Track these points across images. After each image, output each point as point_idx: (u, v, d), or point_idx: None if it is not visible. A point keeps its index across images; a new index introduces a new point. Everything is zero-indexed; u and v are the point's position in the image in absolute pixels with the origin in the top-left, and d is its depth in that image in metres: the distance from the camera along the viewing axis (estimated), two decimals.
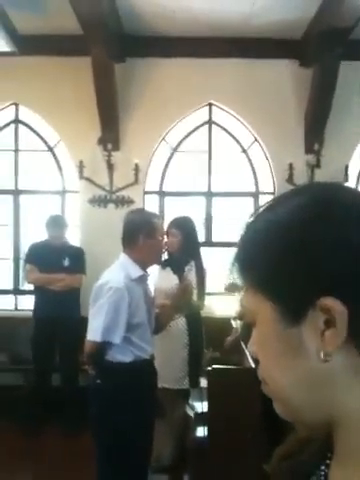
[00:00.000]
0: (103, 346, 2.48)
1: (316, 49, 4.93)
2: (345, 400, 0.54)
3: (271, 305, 0.56)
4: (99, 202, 5.35)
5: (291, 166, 5.23)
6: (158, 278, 3.74)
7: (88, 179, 5.25)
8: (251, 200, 5.68)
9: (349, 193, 0.58)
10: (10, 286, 5.58)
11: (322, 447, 0.62)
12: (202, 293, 3.75)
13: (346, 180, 5.20)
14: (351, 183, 5.38)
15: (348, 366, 0.53)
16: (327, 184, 0.60)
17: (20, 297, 5.57)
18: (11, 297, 5.59)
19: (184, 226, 3.75)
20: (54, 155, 5.60)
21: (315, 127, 5.21)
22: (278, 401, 0.59)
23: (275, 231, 0.56)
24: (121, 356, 2.52)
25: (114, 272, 2.57)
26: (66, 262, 4.67)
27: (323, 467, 0.61)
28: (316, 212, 0.54)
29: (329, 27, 4.54)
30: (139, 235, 2.59)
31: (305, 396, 0.56)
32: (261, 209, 0.62)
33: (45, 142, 5.59)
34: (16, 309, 5.55)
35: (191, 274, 3.55)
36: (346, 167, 5.20)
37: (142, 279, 2.65)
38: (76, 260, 4.69)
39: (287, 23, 4.87)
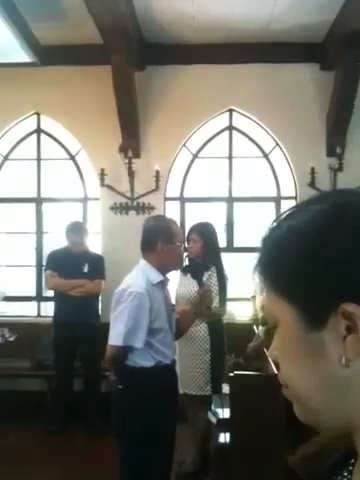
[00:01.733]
0: (125, 350, 2.49)
1: (337, 52, 4.91)
2: None
3: (293, 310, 0.56)
4: (120, 209, 5.39)
5: (313, 170, 5.19)
6: (179, 284, 3.74)
7: (109, 186, 5.30)
8: (273, 205, 5.65)
9: None
10: (33, 293, 5.65)
11: (345, 452, 0.61)
12: (223, 299, 3.73)
13: None
14: None
15: None
16: (348, 191, 0.61)
17: (43, 303, 5.63)
18: (34, 304, 5.66)
19: (205, 232, 3.75)
20: (76, 163, 5.67)
21: (337, 130, 5.17)
22: (297, 404, 0.59)
23: (297, 237, 0.57)
24: (142, 361, 2.53)
25: (135, 277, 2.58)
26: (85, 268, 4.71)
27: (346, 473, 0.60)
28: (337, 219, 0.55)
29: (350, 30, 4.52)
30: (157, 241, 2.61)
31: (324, 400, 0.56)
32: (283, 215, 0.63)
33: (67, 150, 5.67)
34: (39, 315, 5.61)
35: (212, 280, 3.54)
36: None
37: (162, 284, 2.66)
38: (96, 266, 4.73)
39: (307, 27, 4.86)
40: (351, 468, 0.59)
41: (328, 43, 5.06)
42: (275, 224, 0.63)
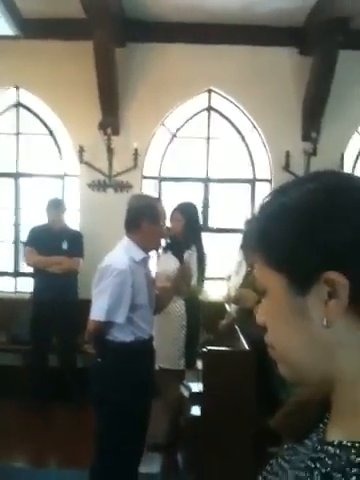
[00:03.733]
0: (106, 325, 2.57)
1: (316, 37, 4.97)
2: (343, 362, 0.62)
3: (281, 278, 0.64)
4: (98, 186, 5.41)
5: (288, 154, 5.30)
6: (159, 261, 3.83)
7: (88, 163, 5.30)
8: (248, 187, 5.75)
9: (355, 182, 0.66)
10: (10, 268, 5.65)
11: (320, 408, 0.71)
12: (202, 277, 3.84)
13: (341, 168, 5.28)
14: (346, 170, 5.46)
15: (348, 332, 0.61)
16: (336, 173, 0.69)
17: (20, 279, 5.64)
18: (11, 279, 5.67)
19: (188, 211, 3.84)
20: (55, 139, 5.63)
21: (312, 115, 5.27)
22: (283, 363, 0.68)
23: (288, 214, 0.64)
24: (122, 336, 2.61)
25: (118, 254, 2.64)
26: (65, 245, 4.74)
27: (321, 425, 0.69)
28: (325, 198, 0.62)
29: (329, 16, 4.59)
30: (142, 220, 2.66)
31: (308, 358, 0.64)
32: (274, 193, 0.69)
33: (46, 126, 5.63)
34: (16, 291, 5.63)
35: (192, 258, 3.64)
36: (342, 155, 5.28)
37: (144, 262, 2.74)
38: (74, 244, 4.77)
39: (288, 11, 4.90)
40: (326, 420, 0.68)
41: (307, 28, 5.12)
42: (266, 200, 0.69)
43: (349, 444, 0.59)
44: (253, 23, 5.16)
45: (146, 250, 2.72)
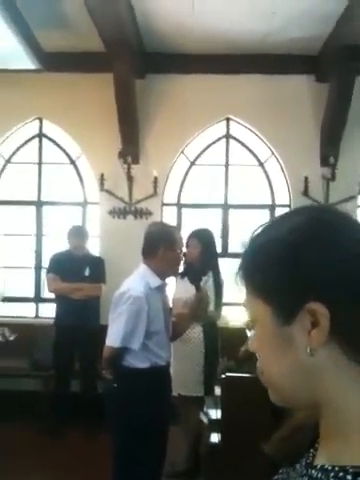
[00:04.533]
0: (121, 352, 2.59)
1: (332, 65, 5.04)
2: (327, 387, 0.64)
3: (268, 308, 0.67)
4: (119, 214, 5.51)
5: (307, 179, 5.32)
6: (176, 287, 3.85)
7: (108, 191, 5.42)
8: (267, 212, 5.78)
9: (339, 217, 0.69)
10: (31, 294, 5.75)
11: (311, 433, 0.73)
12: (219, 303, 3.84)
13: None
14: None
15: (330, 360, 0.63)
16: (322, 207, 0.73)
17: (41, 305, 5.73)
18: (32, 305, 5.76)
19: (204, 237, 3.87)
20: (76, 168, 5.78)
21: (330, 141, 5.30)
22: (272, 388, 0.71)
23: (274, 247, 0.67)
24: (138, 362, 2.63)
25: (134, 281, 2.69)
26: (87, 272, 4.81)
27: (312, 450, 0.72)
28: (310, 233, 0.66)
29: (344, 44, 4.66)
30: (159, 247, 2.71)
31: (293, 383, 0.67)
32: (265, 226, 0.73)
33: (67, 155, 5.78)
34: (37, 316, 5.71)
35: (209, 284, 3.65)
36: None
37: (161, 288, 2.77)
38: (96, 270, 4.84)
39: (304, 40, 5.00)
40: (316, 445, 0.71)
41: (323, 56, 5.20)
42: (256, 233, 0.73)
43: (330, 468, 0.61)
44: (270, 52, 5.26)
45: (163, 277, 2.76)
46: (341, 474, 0.58)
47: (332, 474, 0.60)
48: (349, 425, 0.62)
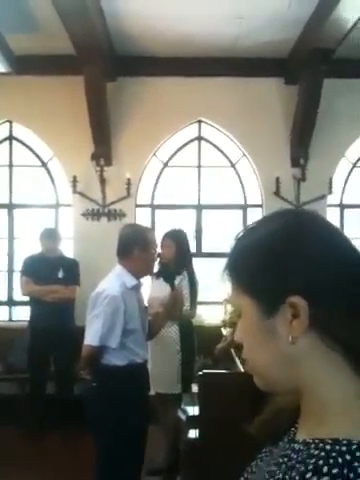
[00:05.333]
0: (100, 350, 2.63)
1: (301, 68, 5.17)
2: (307, 373, 0.71)
3: (252, 302, 0.74)
4: (92, 215, 5.52)
5: (278, 179, 5.44)
6: (151, 287, 3.89)
7: (81, 193, 5.42)
8: (240, 212, 5.87)
9: (315, 220, 0.77)
10: (4, 297, 5.69)
11: (292, 415, 0.78)
12: (194, 302, 3.90)
13: (330, 192, 5.42)
14: (335, 195, 5.60)
15: (310, 348, 0.70)
16: (300, 211, 0.80)
17: (14, 308, 5.69)
18: (5, 308, 5.71)
19: (178, 238, 3.92)
20: (48, 170, 5.76)
21: (300, 142, 5.43)
22: (257, 375, 0.77)
23: (257, 247, 0.74)
24: (116, 360, 2.67)
25: (111, 281, 2.73)
26: (61, 274, 4.80)
27: (293, 429, 0.77)
28: (289, 234, 0.73)
29: (313, 47, 4.78)
30: (134, 248, 2.76)
31: (277, 371, 0.73)
32: (247, 227, 0.80)
33: (39, 158, 5.76)
34: (10, 320, 5.67)
35: (183, 283, 3.70)
36: (330, 180, 5.42)
37: (136, 288, 2.82)
38: (70, 272, 4.83)
39: (273, 43, 5.10)
40: (296, 425, 0.77)
41: (292, 59, 5.32)
42: (240, 235, 0.80)
43: (310, 441, 0.67)
44: (240, 55, 5.36)
45: (138, 277, 2.81)
46: (321, 444, 0.65)
47: (313, 445, 0.66)
48: (327, 406, 0.69)
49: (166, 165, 5.82)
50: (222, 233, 5.93)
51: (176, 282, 3.36)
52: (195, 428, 3.47)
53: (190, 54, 5.33)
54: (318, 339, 0.69)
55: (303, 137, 5.41)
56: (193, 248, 5.46)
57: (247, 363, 0.77)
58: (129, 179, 5.36)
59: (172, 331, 3.72)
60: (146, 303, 3.28)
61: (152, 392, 3.34)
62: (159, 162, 5.78)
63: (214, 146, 5.83)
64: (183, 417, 3.62)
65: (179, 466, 3.76)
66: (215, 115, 5.57)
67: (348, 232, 5.76)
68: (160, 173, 5.81)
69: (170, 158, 5.81)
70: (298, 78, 5.33)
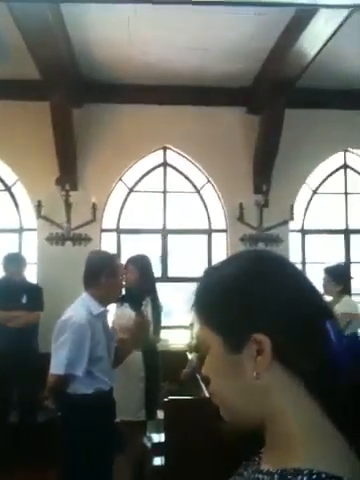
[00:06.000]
0: (66, 379, 2.60)
1: (263, 98, 5.34)
2: (272, 405, 0.75)
3: (219, 338, 0.78)
4: (57, 240, 5.48)
5: (241, 205, 5.55)
6: (116, 314, 3.88)
7: (45, 217, 5.38)
8: (205, 237, 5.94)
9: (278, 261, 0.82)
10: None
11: (258, 443, 0.82)
12: (158, 327, 3.91)
13: (291, 218, 5.56)
14: (297, 221, 5.75)
15: (274, 381, 0.74)
16: (263, 253, 0.86)
17: None
18: None
19: (141, 263, 3.94)
20: (12, 194, 5.71)
21: (263, 169, 5.57)
22: (223, 408, 0.80)
23: (223, 286, 0.79)
24: (82, 388, 2.65)
25: (77, 308, 2.72)
26: (24, 299, 4.73)
27: (257, 458, 0.81)
28: (252, 275, 0.78)
29: (275, 78, 4.94)
30: (101, 275, 2.77)
31: (243, 403, 0.77)
32: (215, 266, 0.84)
33: (2, 182, 5.72)
34: None
35: (147, 309, 3.71)
36: (291, 207, 5.56)
37: (103, 315, 2.82)
38: (34, 297, 4.77)
39: (236, 73, 5.26)
40: (261, 454, 0.81)
41: (254, 89, 5.50)
42: (206, 274, 0.84)
43: (273, 470, 0.71)
44: (203, 85, 5.50)
45: (104, 304, 2.81)
46: (284, 474, 0.68)
47: (276, 476, 0.69)
48: (290, 436, 0.72)
49: (132, 190, 5.86)
50: (187, 258, 5.99)
51: (141, 307, 3.36)
52: (160, 455, 3.46)
53: (156, 82, 5.43)
54: (281, 372, 0.73)
55: (265, 165, 5.55)
56: (159, 273, 5.52)
57: (214, 396, 0.81)
58: (95, 204, 5.37)
59: (135, 357, 3.68)
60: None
61: (117, 419, 3.30)
62: (125, 187, 5.83)
63: (179, 172, 5.93)
64: (148, 444, 3.60)
65: None
66: (180, 142, 5.67)
67: (309, 257, 5.93)
68: (126, 198, 5.85)
69: (136, 183, 5.87)
70: (260, 108, 5.49)
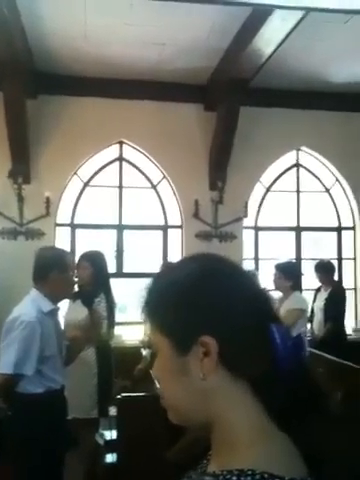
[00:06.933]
0: (15, 378, 2.54)
1: (219, 95, 5.38)
2: (218, 406, 0.76)
3: (167, 340, 0.78)
4: (9, 234, 5.35)
5: (197, 202, 5.59)
6: (69, 310, 3.83)
7: None
8: (160, 233, 5.95)
9: (227, 265, 0.83)
10: None
11: (206, 445, 0.83)
12: (112, 324, 3.88)
13: (245, 215, 5.64)
14: (250, 218, 5.84)
15: (220, 383, 0.75)
16: (213, 257, 0.87)
17: None
18: None
19: (94, 259, 3.90)
20: None
21: (218, 166, 5.62)
22: (171, 410, 0.81)
23: (172, 288, 0.80)
24: (32, 388, 2.59)
25: (26, 306, 2.66)
26: None
27: (205, 461, 0.82)
28: (200, 279, 0.79)
29: (230, 76, 4.99)
30: (51, 271, 2.70)
31: (190, 405, 0.78)
32: (165, 269, 0.87)
33: None
34: None
35: (101, 306, 3.68)
36: (246, 203, 5.64)
37: (53, 312, 2.76)
38: None
39: (193, 70, 5.28)
40: (209, 457, 0.82)
41: (211, 87, 5.53)
42: (156, 276, 0.85)
43: (219, 472, 0.72)
44: (161, 80, 5.49)
45: (55, 301, 2.75)
46: (228, 476, 0.69)
47: (221, 477, 0.70)
48: (235, 438, 0.74)
49: (87, 184, 5.79)
50: (143, 253, 5.98)
51: (94, 304, 3.34)
52: (113, 452, 3.44)
53: (113, 75, 5.38)
54: (226, 375, 0.75)
55: (220, 162, 5.60)
56: (114, 268, 5.49)
57: (162, 398, 0.82)
58: (48, 198, 5.28)
59: (89, 354, 3.66)
60: (63, 326, 3.23)
61: (69, 417, 3.26)
62: (80, 181, 5.75)
63: (135, 167, 5.90)
64: (101, 441, 3.58)
65: None
66: (136, 137, 5.64)
67: (262, 253, 6.03)
68: (81, 192, 5.77)
69: (91, 178, 5.80)
70: (216, 105, 5.53)
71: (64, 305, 3.80)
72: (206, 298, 0.76)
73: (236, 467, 0.69)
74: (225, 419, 0.75)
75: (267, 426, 0.75)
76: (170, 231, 5.94)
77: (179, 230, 5.86)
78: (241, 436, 0.74)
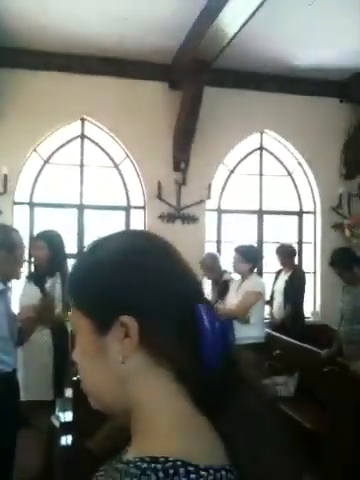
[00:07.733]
0: None
1: (183, 75, 5.29)
2: (137, 391, 0.72)
3: (86, 320, 0.74)
4: None
5: (160, 183, 5.52)
6: (23, 291, 3.74)
7: None
8: (123, 214, 5.87)
9: (150, 242, 0.79)
10: None
11: (128, 433, 0.80)
12: (67, 305, 3.81)
13: (209, 197, 5.62)
14: (213, 200, 5.83)
15: (140, 366, 0.72)
16: (139, 233, 0.84)
17: None
18: None
19: (50, 239, 3.80)
20: None
21: (181, 147, 5.56)
22: (90, 395, 0.77)
23: (92, 269, 0.75)
24: None
25: None
26: None
27: (127, 447, 0.79)
28: (122, 257, 0.75)
29: (193, 57, 4.91)
30: None
31: (109, 390, 0.74)
32: (88, 247, 0.81)
33: None
34: None
35: (57, 286, 3.60)
36: (209, 185, 5.62)
37: (3, 293, 2.68)
38: None
39: (158, 48, 5.17)
40: (130, 443, 0.78)
41: (175, 65, 5.43)
42: (80, 256, 0.81)
43: (133, 459, 0.68)
44: (125, 57, 5.36)
45: (4, 281, 2.67)
46: (139, 463, 0.66)
47: (132, 464, 0.67)
48: (152, 424, 0.71)
49: (47, 162, 5.65)
50: (105, 234, 5.89)
51: (47, 285, 3.26)
52: (68, 434, 3.42)
53: (74, 50, 5.23)
54: (148, 358, 0.71)
55: (184, 143, 5.54)
56: (74, 249, 5.40)
57: (82, 382, 0.77)
58: (6, 175, 5.12)
59: (43, 336, 3.59)
60: (17, 307, 3.15)
61: (23, 399, 3.21)
62: (40, 158, 5.60)
63: (97, 145, 5.78)
64: (56, 423, 3.54)
65: (53, 473, 3.67)
66: (99, 114, 5.51)
67: (224, 236, 6.04)
68: (40, 170, 5.62)
69: (51, 155, 5.65)
70: (181, 84, 5.44)
71: (19, 285, 3.72)
72: (127, 277, 0.72)
73: (150, 454, 0.66)
74: (144, 405, 0.72)
75: (189, 412, 0.71)
76: (133, 212, 5.87)
77: (142, 211, 5.79)
78: (160, 423, 0.70)
